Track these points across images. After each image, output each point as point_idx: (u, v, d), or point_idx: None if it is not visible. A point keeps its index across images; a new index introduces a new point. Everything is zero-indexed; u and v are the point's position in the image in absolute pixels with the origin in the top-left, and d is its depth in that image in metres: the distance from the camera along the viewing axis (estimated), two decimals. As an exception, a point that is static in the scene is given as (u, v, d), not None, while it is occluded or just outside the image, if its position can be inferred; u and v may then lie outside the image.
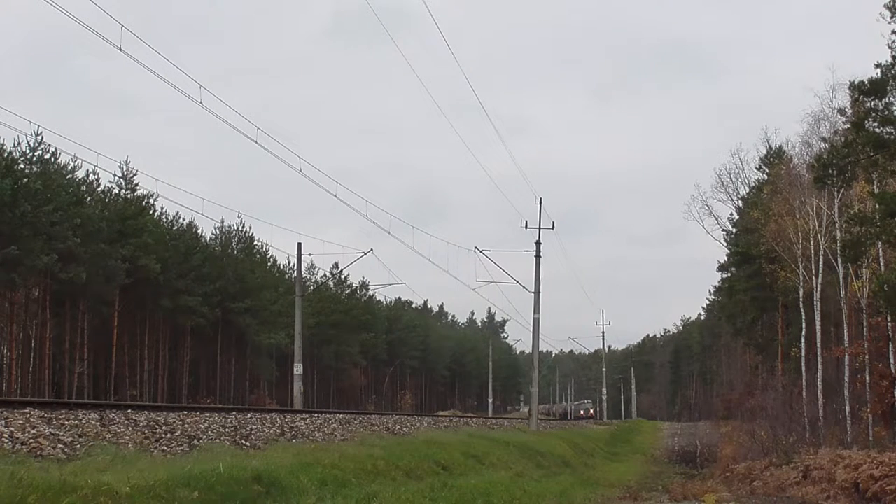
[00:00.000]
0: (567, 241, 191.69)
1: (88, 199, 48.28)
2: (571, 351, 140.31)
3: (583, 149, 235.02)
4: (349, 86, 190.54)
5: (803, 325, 35.28)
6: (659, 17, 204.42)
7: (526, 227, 42.65)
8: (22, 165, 43.13)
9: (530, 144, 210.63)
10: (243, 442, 15.29)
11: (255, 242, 67.08)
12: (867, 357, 28.14)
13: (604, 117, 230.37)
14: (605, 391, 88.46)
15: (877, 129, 21.11)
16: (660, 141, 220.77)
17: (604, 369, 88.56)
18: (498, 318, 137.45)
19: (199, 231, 60.77)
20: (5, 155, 41.32)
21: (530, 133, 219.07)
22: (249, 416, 18.94)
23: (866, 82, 20.90)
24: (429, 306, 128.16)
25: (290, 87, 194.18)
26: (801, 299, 35.14)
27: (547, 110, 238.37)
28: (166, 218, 57.63)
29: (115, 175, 51.62)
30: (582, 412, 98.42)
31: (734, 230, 54.34)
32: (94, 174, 49.22)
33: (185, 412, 16.89)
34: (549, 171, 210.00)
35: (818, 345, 32.12)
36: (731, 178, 52.77)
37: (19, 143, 43.21)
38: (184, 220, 58.69)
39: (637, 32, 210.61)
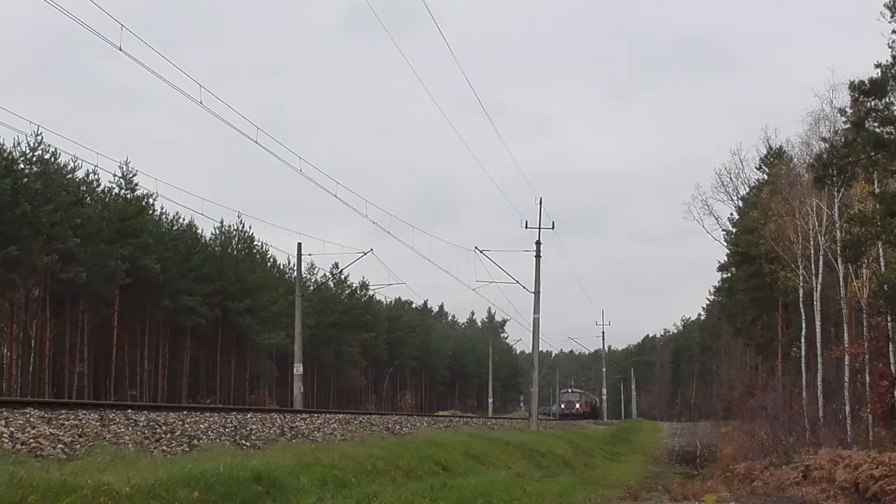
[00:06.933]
0: (574, 239, 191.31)
1: (88, 199, 48.34)
2: (571, 351, 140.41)
3: (597, 146, 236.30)
4: (363, 82, 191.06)
5: (803, 325, 35.27)
6: (674, 14, 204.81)
7: (526, 227, 42.57)
8: (22, 165, 43.17)
9: (546, 142, 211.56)
10: (243, 442, 15.29)
11: (255, 242, 67.24)
12: (867, 357, 28.14)
13: (619, 114, 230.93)
14: (605, 391, 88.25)
15: (877, 129, 21.12)
16: (674, 138, 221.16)
17: (604, 369, 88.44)
18: (498, 318, 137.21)
19: (199, 231, 60.96)
20: (5, 155, 41.34)
21: (546, 130, 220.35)
22: (249, 416, 18.94)
23: (866, 82, 20.91)
24: (429, 306, 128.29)
25: (301, 83, 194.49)
26: (801, 299, 35.12)
27: (563, 108, 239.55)
28: (166, 218, 57.81)
29: (115, 175, 51.83)
30: (563, 405, 75.36)
31: (734, 230, 54.36)
32: (94, 174, 49.45)
33: (185, 412, 16.90)
34: (562, 168, 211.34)
35: (818, 345, 32.11)
36: (731, 178, 52.86)
37: (19, 143, 43.35)
38: (184, 220, 58.88)
39: (652, 29, 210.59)
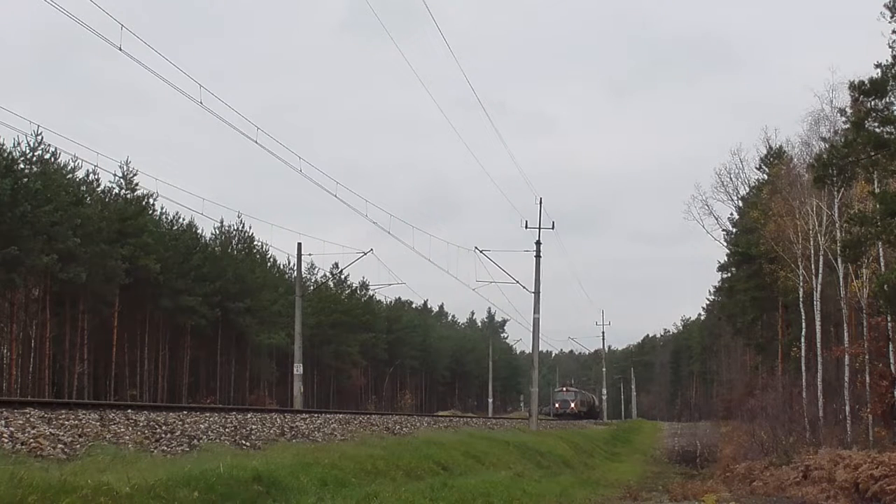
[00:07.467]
0: (574, 239, 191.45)
1: (88, 199, 48.32)
2: (571, 351, 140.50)
3: (597, 146, 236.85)
4: (363, 82, 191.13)
5: (803, 325, 35.27)
6: (674, 14, 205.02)
7: (526, 227, 42.60)
8: (22, 165, 43.15)
9: (547, 142, 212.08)
10: (243, 442, 15.28)
11: (255, 242, 67.26)
12: (867, 357, 28.15)
13: (619, 114, 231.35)
14: (605, 391, 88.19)
15: (877, 129, 21.15)
16: (674, 138, 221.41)
17: (604, 369, 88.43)
18: (498, 318, 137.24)
19: (199, 231, 60.91)
20: (5, 155, 41.32)
21: (547, 130, 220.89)
22: (249, 416, 18.93)
23: (866, 82, 20.93)
24: (429, 306, 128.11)
25: (301, 83, 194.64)
26: (801, 299, 35.13)
27: (563, 108, 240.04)
28: (166, 218, 57.77)
29: (115, 175, 51.74)
30: (557, 405, 71.40)
31: (734, 230, 54.35)
32: (94, 174, 49.43)
33: (185, 412, 16.89)
34: (562, 168, 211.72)
35: (818, 345, 32.11)
36: (731, 178, 52.73)
37: (19, 143, 43.33)
38: (184, 220, 58.85)
39: (652, 29, 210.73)
